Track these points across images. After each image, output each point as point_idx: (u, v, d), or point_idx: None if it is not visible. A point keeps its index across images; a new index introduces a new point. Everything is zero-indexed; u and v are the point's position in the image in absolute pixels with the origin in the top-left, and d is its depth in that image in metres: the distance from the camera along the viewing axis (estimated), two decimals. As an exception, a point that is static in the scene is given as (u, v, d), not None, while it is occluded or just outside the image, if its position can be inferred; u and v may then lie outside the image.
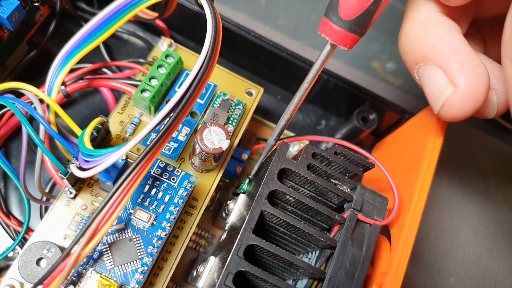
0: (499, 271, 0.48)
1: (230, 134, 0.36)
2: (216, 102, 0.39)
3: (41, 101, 0.33)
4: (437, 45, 0.29)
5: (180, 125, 0.37)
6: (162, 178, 0.34)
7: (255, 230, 0.29)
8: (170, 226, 0.32)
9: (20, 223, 0.37)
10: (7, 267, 0.36)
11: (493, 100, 0.30)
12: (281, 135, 0.34)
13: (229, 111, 0.39)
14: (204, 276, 0.35)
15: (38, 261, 0.30)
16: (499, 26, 0.29)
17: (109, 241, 0.31)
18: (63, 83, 0.39)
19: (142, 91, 0.36)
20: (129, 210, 0.32)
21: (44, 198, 0.37)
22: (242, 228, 0.29)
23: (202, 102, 0.38)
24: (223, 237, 0.38)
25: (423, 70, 0.30)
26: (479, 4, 0.32)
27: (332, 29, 0.27)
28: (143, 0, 0.32)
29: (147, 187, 0.33)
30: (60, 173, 0.31)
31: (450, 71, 0.28)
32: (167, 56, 0.38)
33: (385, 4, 0.26)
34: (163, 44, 0.41)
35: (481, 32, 0.35)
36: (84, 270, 0.30)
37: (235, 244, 0.28)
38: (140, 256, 0.31)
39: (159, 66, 0.37)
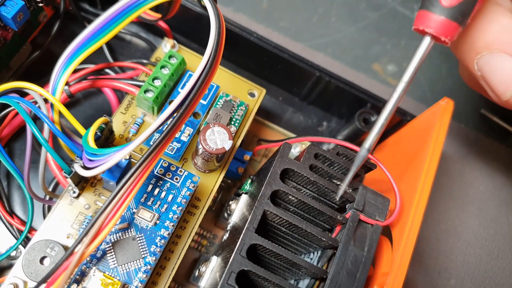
0: (499, 273, 0.48)
1: (232, 135, 0.37)
2: (218, 103, 0.39)
3: (45, 100, 0.33)
4: (502, 32, 0.29)
5: (183, 126, 0.37)
6: (165, 178, 0.34)
7: (257, 230, 0.29)
8: (173, 226, 0.32)
9: (23, 222, 0.38)
10: (10, 266, 0.36)
11: None
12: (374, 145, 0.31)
13: (231, 112, 0.39)
14: (206, 276, 0.35)
15: (41, 260, 0.31)
16: None
17: (113, 240, 0.31)
18: (67, 83, 0.39)
19: (146, 91, 0.36)
20: (132, 210, 0.32)
21: (47, 197, 0.37)
22: (245, 228, 0.29)
23: (204, 102, 0.39)
24: (225, 237, 0.38)
25: (487, 59, 0.29)
26: None
27: (432, 20, 0.26)
28: (147, 2, 0.32)
29: (150, 186, 0.33)
30: (64, 172, 0.31)
31: None
32: (170, 57, 0.38)
33: None
34: (166, 45, 0.41)
35: None
36: (87, 269, 0.30)
37: (238, 244, 0.28)
38: (143, 255, 0.31)
39: (162, 66, 0.37)
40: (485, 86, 0.31)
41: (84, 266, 0.30)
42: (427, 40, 0.27)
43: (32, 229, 0.36)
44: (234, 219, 0.37)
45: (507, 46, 0.29)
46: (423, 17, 0.26)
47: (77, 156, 0.31)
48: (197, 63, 0.28)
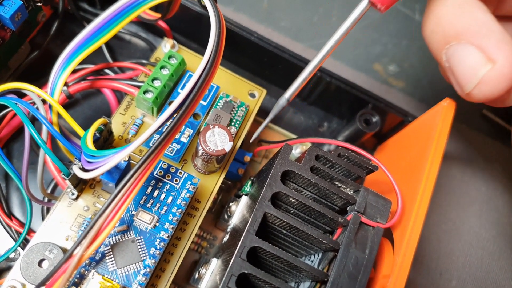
0: (501, 274, 0.48)
1: (233, 136, 0.36)
2: (219, 104, 0.39)
3: (44, 101, 0.33)
4: (472, 24, 0.29)
5: (183, 127, 0.37)
6: (164, 180, 0.33)
7: (258, 232, 0.29)
8: (172, 228, 0.32)
9: (22, 224, 0.37)
10: (8, 268, 0.36)
11: None
12: (293, 97, 0.33)
13: (232, 112, 0.39)
14: (206, 278, 0.35)
15: (40, 262, 0.30)
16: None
17: (112, 243, 0.31)
18: (66, 84, 0.38)
19: (145, 92, 0.36)
20: (131, 212, 0.32)
21: (46, 199, 0.37)
22: (245, 230, 0.29)
23: (205, 103, 0.38)
24: (225, 239, 0.37)
25: (455, 49, 0.30)
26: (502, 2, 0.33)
27: None
28: (146, 1, 0.32)
29: (149, 188, 0.33)
30: (63, 174, 0.31)
31: (488, 49, 0.28)
32: (170, 57, 0.37)
33: None
34: (166, 45, 0.41)
35: None
36: (86, 272, 0.30)
37: (238, 246, 0.28)
38: (142, 258, 0.31)
39: (162, 67, 0.37)
40: (451, 78, 0.31)
41: (83, 268, 0.30)
42: (364, 3, 0.29)
43: (30, 231, 0.36)
44: (234, 220, 0.37)
45: (475, 36, 0.29)
46: None
47: (75, 158, 0.30)
48: (197, 64, 0.28)
